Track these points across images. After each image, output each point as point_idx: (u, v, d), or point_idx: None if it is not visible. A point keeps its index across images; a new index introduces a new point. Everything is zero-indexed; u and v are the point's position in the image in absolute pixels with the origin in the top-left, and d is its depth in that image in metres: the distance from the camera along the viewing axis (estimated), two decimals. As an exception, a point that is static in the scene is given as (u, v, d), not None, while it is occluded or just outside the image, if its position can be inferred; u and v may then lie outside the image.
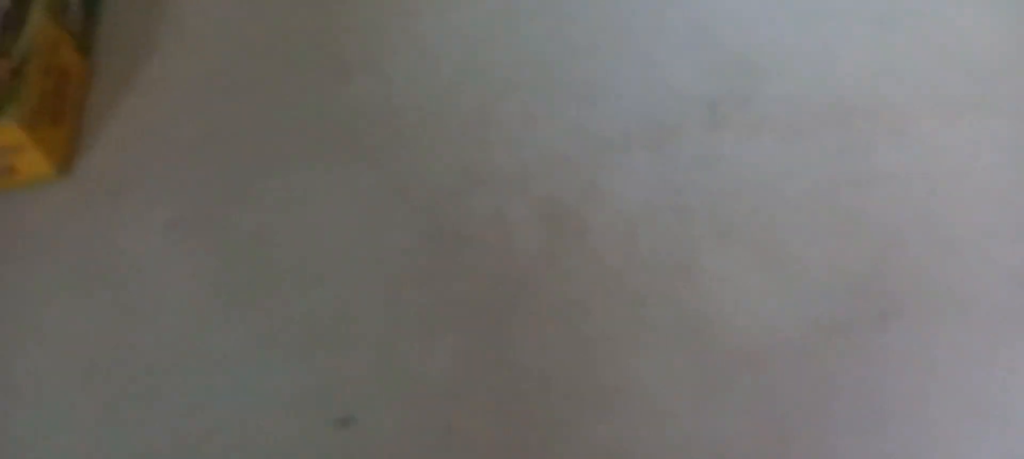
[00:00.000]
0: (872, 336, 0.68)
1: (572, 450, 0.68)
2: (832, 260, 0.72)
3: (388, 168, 0.85)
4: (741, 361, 0.69)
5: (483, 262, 0.78)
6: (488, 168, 0.82)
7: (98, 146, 0.95)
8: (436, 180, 0.83)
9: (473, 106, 0.86)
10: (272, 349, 0.78)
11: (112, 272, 0.85)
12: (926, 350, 0.68)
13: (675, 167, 0.78)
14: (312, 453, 0.72)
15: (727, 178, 0.77)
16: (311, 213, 0.85)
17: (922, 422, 0.65)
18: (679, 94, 0.82)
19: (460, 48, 0.91)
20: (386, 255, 0.81)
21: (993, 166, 0.76)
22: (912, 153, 0.76)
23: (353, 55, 0.93)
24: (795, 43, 0.83)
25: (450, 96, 0.87)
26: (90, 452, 0.75)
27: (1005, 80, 0.80)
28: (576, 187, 0.79)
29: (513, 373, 0.72)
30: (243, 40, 0.97)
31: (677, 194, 0.77)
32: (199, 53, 0.98)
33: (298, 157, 0.89)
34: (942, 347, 0.68)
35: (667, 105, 0.81)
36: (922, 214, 0.72)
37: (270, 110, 0.92)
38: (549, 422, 0.70)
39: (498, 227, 0.79)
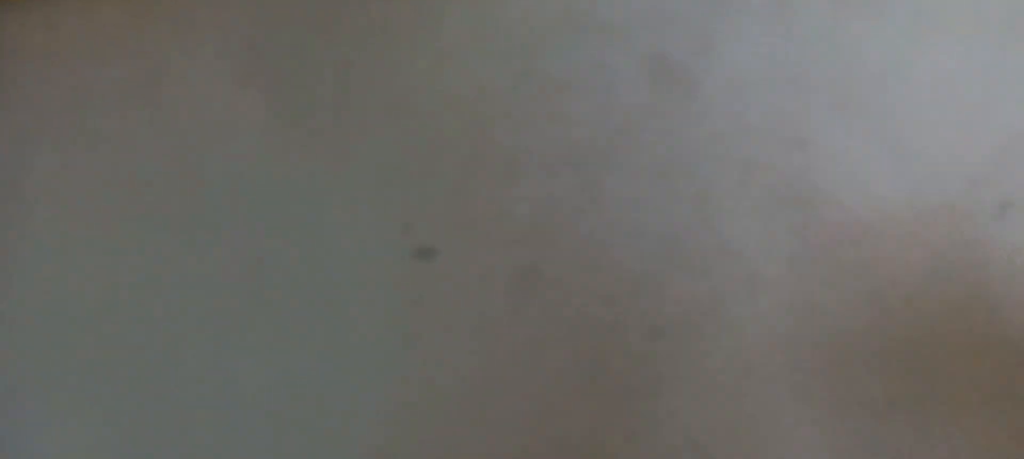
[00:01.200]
0: (988, 225, 0.66)
1: (660, 303, 0.67)
2: (953, 148, 0.69)
3: (482, 4, 0.81)
4: (845, 235, 0.66)
5: (579, 109, 0.75)
6: (592, 14, 0.78)
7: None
8: (534, 21, 0.79)
9: (583, -51, 0.82)
10: (348, 179, 0.75)
11: (172, 87, 0.82)
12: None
13: (796, 35, 0.74)
14: (391, 282, 0.70)
15: (850, 53, 0.73)
16: (394, 43, 0.81)
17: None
18: (803, -38, 0.78)
19: None
20: (475, 92, 0.78)
21: None
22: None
23: None
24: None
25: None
26: (140, 266, 0.73)
27: None
28: (687, 45, 0.75)
29: (603, 223, 0.70)
30: None
31: (795, 63, 0.73)
32: None
33: (386, -14, 0.85)
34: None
35: (790, -29, 0.77)
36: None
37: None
38: (639, 274, 0.68)
39: (598, 77, 0.76)
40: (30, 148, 0.80)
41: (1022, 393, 0.63)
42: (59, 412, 0.70)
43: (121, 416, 0.69)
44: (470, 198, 0.72)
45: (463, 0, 0.82)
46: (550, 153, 0.73)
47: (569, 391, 0.66)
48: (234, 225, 0.75)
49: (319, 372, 0.69)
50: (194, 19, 0.86)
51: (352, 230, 0.73)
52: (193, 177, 0.77)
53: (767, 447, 0.65)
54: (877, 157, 0.69)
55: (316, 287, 0.71)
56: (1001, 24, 0.73)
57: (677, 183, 0.70)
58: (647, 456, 0.65)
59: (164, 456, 0.69)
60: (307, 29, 0.84)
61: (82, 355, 0.70)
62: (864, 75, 0.73)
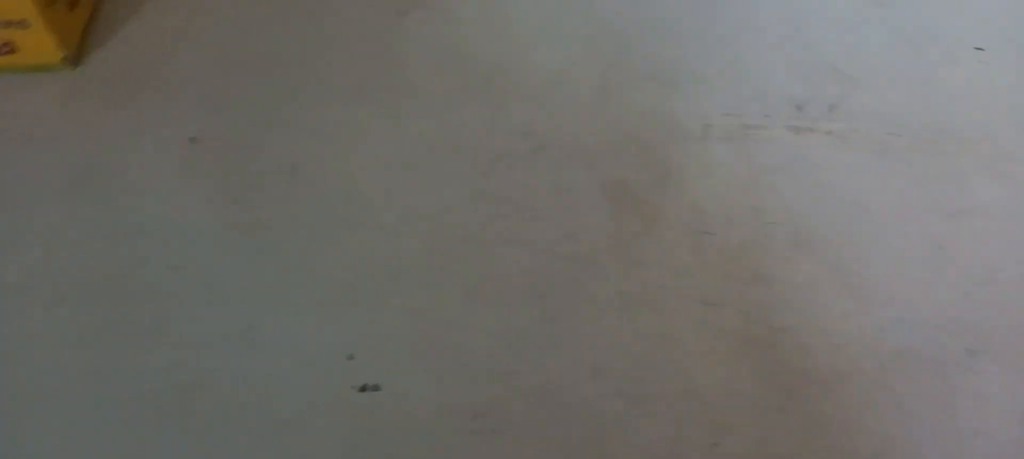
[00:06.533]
0: (956, 374, 0.64)
1: (618, 452, 0.63)
2: (917, 289, 0.68)
3: (444, 118, 0.79)
4: (810, 381, 0.64)
5: (539, 234, 0.72)
6: (555, 137, 0.76)
7: (115, 41, 0.87)
8: (496, 139, 0.77)
9: (545, 69, 0.80)
10: (290, 295, 0.71)
11: (117, 183, 0.78)
12: (1018, 395, 0.64)
13: (755, 166, 0.73)
14: (332, 413, 0.66)
15: (809, 186, 0.72)
16: (352, 153, 0.79)
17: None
18: (764, 91, 0.77)
19: (536, 8, 0.85)
20: (430, 210, 0.75)
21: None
22: (1010, 190, 0.72)
23: (418, -6, 0.87)
24: (894, 59, 0.79)
25: (521, 55, 0.81)
26: (79, 376, 0.68)
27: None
28: (649, 172, 0.74)
29: (565, 359, 0.67)
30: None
31: (755, 195, 0.72)
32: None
33: (346, 90, 0.82)
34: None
35: (751, 100, 0.77)
36: (1017, 255, 0.69)
37: (321, 33, 0.86)
38: (597, 415, 0.65)
39: (560, 201, 0.73)
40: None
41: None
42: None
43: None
44: (420, 329, 0.69)
45: (426, 115, 0.80)
46: (510, 280, 0.70)
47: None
48: (173, 331, 0.70)
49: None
50: (150, 101, 0.82)
51: (291, 354, 0.69)
52: (139, 274, 0.73)
53: None
54: (840, 298, 0.68)
55: (252, 411, 0.66)
56: (966, 156, 0.73)
57: (639, 318, 0.68)
58: None
59: None
60: (255, 123, 0.81)
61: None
62: (824, 207, 0.72)
